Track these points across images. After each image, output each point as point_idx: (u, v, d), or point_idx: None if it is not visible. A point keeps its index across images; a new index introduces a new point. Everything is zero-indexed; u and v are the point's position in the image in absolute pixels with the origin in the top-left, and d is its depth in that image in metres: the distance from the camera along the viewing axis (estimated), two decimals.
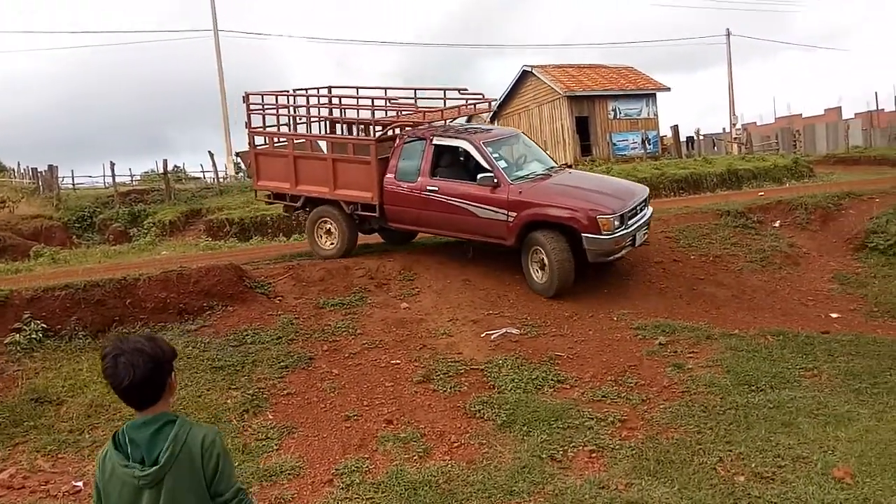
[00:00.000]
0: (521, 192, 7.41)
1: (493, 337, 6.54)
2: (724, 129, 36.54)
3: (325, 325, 6.84)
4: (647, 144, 28.16)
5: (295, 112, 9.51)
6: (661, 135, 29.45)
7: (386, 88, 9.77)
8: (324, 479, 4.26)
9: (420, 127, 8.51)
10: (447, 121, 9.03)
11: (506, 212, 7.43)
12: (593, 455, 4.37)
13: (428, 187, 7.92)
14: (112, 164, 23.77)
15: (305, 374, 5.87)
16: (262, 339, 6.48)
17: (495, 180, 7.46)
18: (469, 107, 9.16)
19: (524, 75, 28.29)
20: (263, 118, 9.33)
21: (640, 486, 3.92)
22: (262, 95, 9.32)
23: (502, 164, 7.71)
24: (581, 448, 4.45)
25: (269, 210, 16.43)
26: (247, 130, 9.44)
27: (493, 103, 9.71)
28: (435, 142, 8.06)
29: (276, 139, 9.30)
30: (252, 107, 9.32)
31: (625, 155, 26.27)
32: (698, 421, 4.70)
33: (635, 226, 7.46)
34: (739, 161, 22.12)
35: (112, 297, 6.74)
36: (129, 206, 19.68)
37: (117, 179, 25.00)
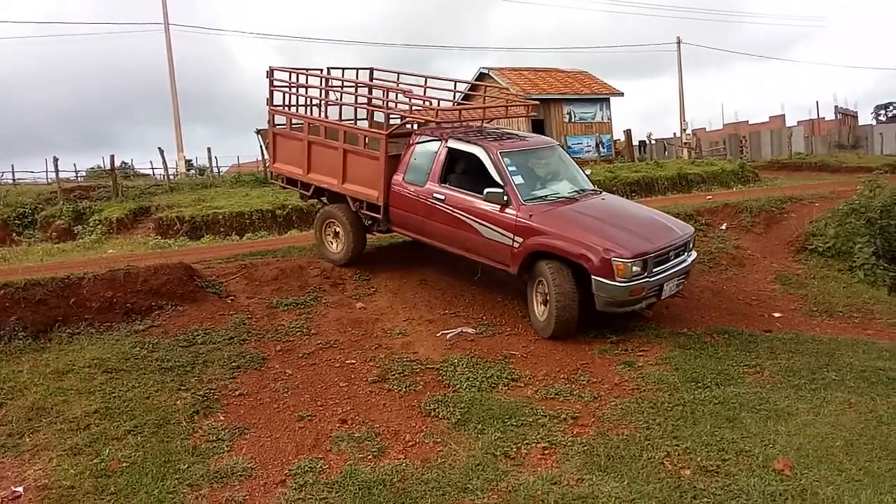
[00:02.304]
0: (531, 216, 6.37)
1: (448, 336, 6.57)
2: (674, 134, 37.51)
3: (279, 325, 6.75)
4: (600, 148, 28.74)
5: (323, 94, 8.72)
6: (615, 139, 30.08)
7: (427, 77, 9.07)
8: (276, 479, 4.20)
9: (441, 125, 7.63)
10: (485, 121, 8.45)
11: (512, 235, 6.45)
12: (546, 452, 4.43)
13: (435, 194, 7.04)
14: (55, 160, 22.86)
15: (258, 374, 5.78)
16: (214, 339, 6.35)
17: (505, 197, 6.46)
18: (509, 108, 8.90)
19: (481, 77, 28.47)
20: (285, 96, 8.70)
21: (591, 480, 4.00)
22: (290, 72, 8.63)
23: (518, 179, 6.66)
24: (534, 445, 4.51)
25: (222, 208, 16.14)
26: (267, 107, 8.81)
27: (530, 108, 9.10)
28: (450, 144, 7.14)
29: (293, 120, 8.61)
30: (276, 83, 8.69)
31: (579, 158, 26.69)
32: (647, 417, 4.81)
33: (664, 274, 6.27)
34: (689, 165, 22.78)
35: (55, 297, 6.49)
36: (74, 203, 18.95)
37: (61, 175, 24.07)
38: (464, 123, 8.12)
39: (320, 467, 4.32)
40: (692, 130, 36.09)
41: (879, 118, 50.43)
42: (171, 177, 23.92)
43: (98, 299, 6.65)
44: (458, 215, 6.86)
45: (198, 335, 6.40)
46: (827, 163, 25.45)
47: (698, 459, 4.18)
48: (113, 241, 14.85)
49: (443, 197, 6.99)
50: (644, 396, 5.18)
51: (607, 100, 29.17)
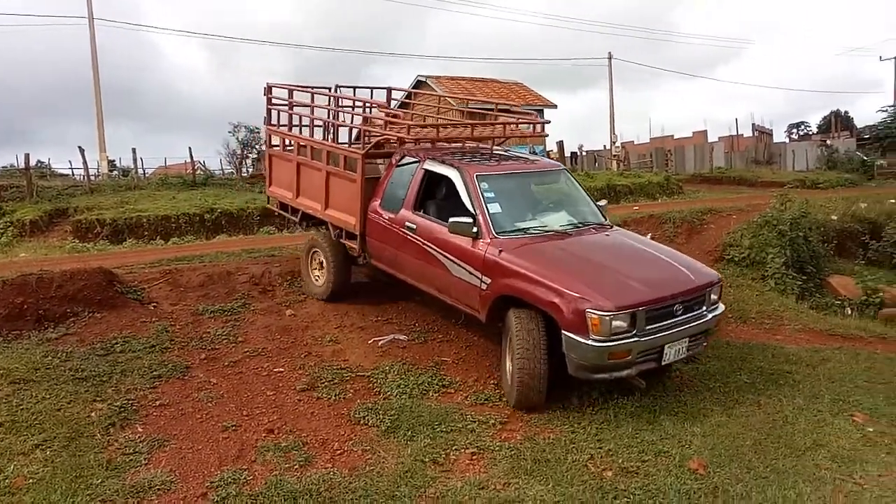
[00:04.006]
0: (501, 252, 5.28)
1: (380, 343, 6.54)
2: (605, 146, 38.67)
3: (204, 333, 6.55)
4: None
5: (331, 115, 7.82)
6: (548, 150, 30.76)
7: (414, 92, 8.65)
8: (197, 493, 4.06)
9: (421, 145, 6.79)
10: (494, 143, 7.30)
11: (480, 275, 5.40)
12: (474, 457, 4.47)
13: (407, 223, 6.17)
14: None
15: (180, 383, 5.58)
16: (133, 347, 6.10)
17: (475, 229, 5.47)
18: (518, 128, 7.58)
19: (418, 85, 28.56)
20: (278, 114, 8.19)
21: (517, 484, 4.06)
22: (289, 89, 8.05)
23: (494, 207, 5.63)
24: (463, 450, 4.54)
25: (146, 211, 15.52)
26: (265, 127, 8.41)
27: (543, 127, 7.42)
28: (426, 166, 6.25)
29: (286, 140, 8.11)
30: (274, 101, 8.19)
31: None
32: (572, 421, 4.93)
33: (666, 333, 4.89)
34: (618, 177, 23.56)
35: None
36: None
37: None
38: (467, 145, 7.05)
39: (244, 479, 4.21)
40: (621, 143, 37.31)
41: (792, 136, 53.70)
42: (93, 177, 22.83)
43: (6, 305, 6.28)
44: (429, 248, 5.92)
45: (116, 343, 6.13)
46: (744, 177, 26.90)
47: (620, 461, 4.31)
48: (25, 244, 14.00)
49: (415, 226, 6.09)
50: (570, 401, 5.30)
51: (541, 111, 29.79)
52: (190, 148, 23.15)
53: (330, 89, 8.27)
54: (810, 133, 52.46)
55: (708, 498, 3.88)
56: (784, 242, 10.07)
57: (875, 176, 29.09)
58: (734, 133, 39.89)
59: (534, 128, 7.12)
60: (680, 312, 5.00)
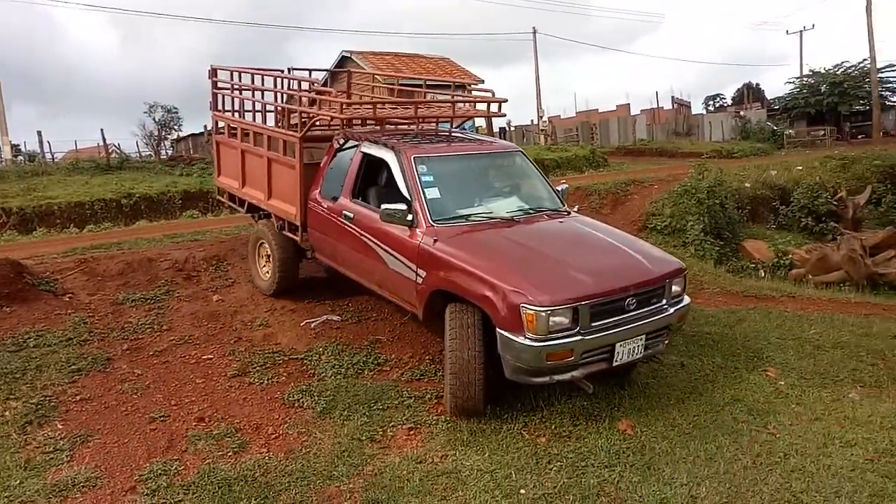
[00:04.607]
0: (435, 242, 4.80)
1: (313, 325, 6.45)
2: (532, 121, 39.20)
3: (126, 323, 6.28)
4: None
5: (278, 98, 7.30)
6: (477, 125, 30.87)
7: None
8: (125, 487, 3.91)
9: (369, 127, 6.37)
10: (438, 122, 6.82)
11: (415, 267, 4.94)
12: (412, 432, 4.50)
13: (344, 212, 5.74)
14: None
15: (102, 376, 5.34)
16: (49, 341, 5.78)
17: (409, 217, 4.99)
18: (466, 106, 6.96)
19: (343, 61, 27.97)
20: (223, 99, 7.65)
21: (454, 456, 4.12)
22: (231, 72, 7.43)
23: (433, 192, 5.14)
24: (400, 426, 4.56)
25: (57, 198, 14.64)
26: (211, 112, 7.82)
27: (501, 106, 6.45)
28: (364, 148, 5.80)
29: (230, 126, 7.54)
30: (220, 84, 7.60)
31: None
32: (508, 391, 5.02)
33: (616, 330, 4.35)
34: (546, 151, 23.95)
35: None
36: None
37: None
38: (424, 126, 6.54)
39: (175, 469, 4.08)
40: (548, 118, 37.88)
41: (709, 108, 55.93)
42: None
43: None
44: (366, 239, 5.47)
45: (29, 338, 5.79)
46: (665, 148, 27.91)
47: (553, 427, 4.44)
48: None
49: (352, 215, 5.67)
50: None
51: (464, 87, 29.79)
52: (102, 130, 21.81)
53: (282, 72, 7.84)
54: (725, 105, 54.85)
55: (636, 456, 4.05)
56: (702, 210, 10.54)
57: (784, 145, 30.82)
58: (655, 106, 41.25)
59: (488, 107, 6.53)
60: (633, 307, 4.44)
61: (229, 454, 4.27)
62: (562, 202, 5.81)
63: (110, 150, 22.52)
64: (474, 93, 6.68)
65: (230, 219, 11.08)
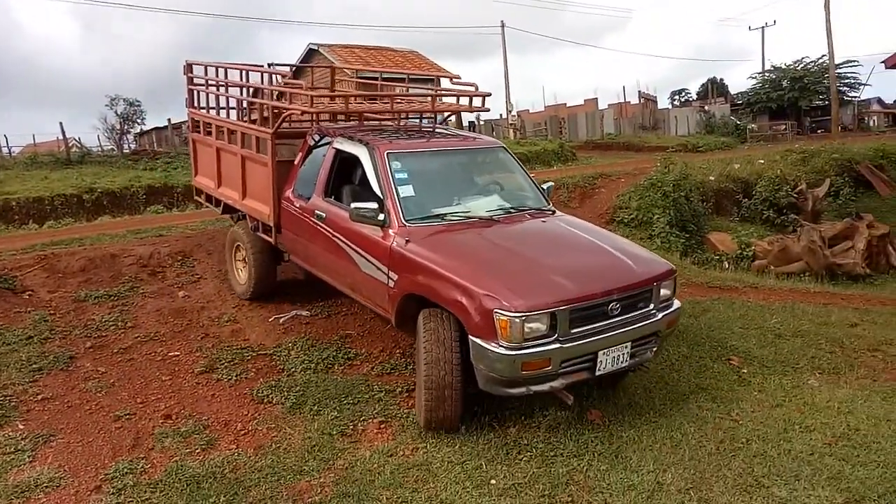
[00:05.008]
0: (408, 242, 4.56)
1: (282, 320, 6.39)
2: (501, 115, 39.27)
3: (89, 320, 6.15)
4: None
5: (249, 94, 6.77)
6: (446, 119, 30.83)
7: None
8: (90, 486, 3.84)
9: (346, 123, 6.14)
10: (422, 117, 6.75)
11: (386, 269, 4.69)
12: (382, 426, 4.50)
13: (317, 211, 5.51)
14: None
15: (64, 375, 5.23)
16: (7, 340, 5.63)
17: (381, 216, 4.73)
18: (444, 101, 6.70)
19: (310, 54, 27.68)
20: (198, 95, 7.31)
21: (425, 448, 4.13)
22: (206, 67, 7.16)
23: (407, 190, 4.90)
24: (371, 420, 4.56)
25: (15, 193, 14.23)
26: (187, 110, 7.54)
27: (484, 100, 6.20)
28: (336, 144, 5.57)
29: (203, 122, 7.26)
30: (196, 80, 7.34)
31: None
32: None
33: (599, 338, 4.09)
34: (515, 145, 24.03)
35: None
36: None
37: None
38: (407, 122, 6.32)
39: (142, 468, 4.02)
40: (517, 112, 38.05)
41: (674, 103, 56.74)
42: None
43: None
44: (338, 240, 5.22)
45: None
46: (632, 142, 28.28)
47: (522, 418, 4.48)
48: None
49: (324, 215, 5.42)
50: None
51: (436, 80, 29.75)
52: (61, 123, 21.20)
53: (263, 67, 7.59)
54: (691, 100, 55.67)
55: (604, 444, 4.12)
56: (668, 203, 10.72)
57: (748, 139, 31.46)
58: (622, 100, 41.73)
59: (470, 101, 6.24)
60: (618, 312, 4.16)
61: (197, 451, 4.22)
62: (546, 201, 5.58)
63: (70, 144, 21.94)
64: (455, 87, 6.40)
65: (195, 214, 10.90)
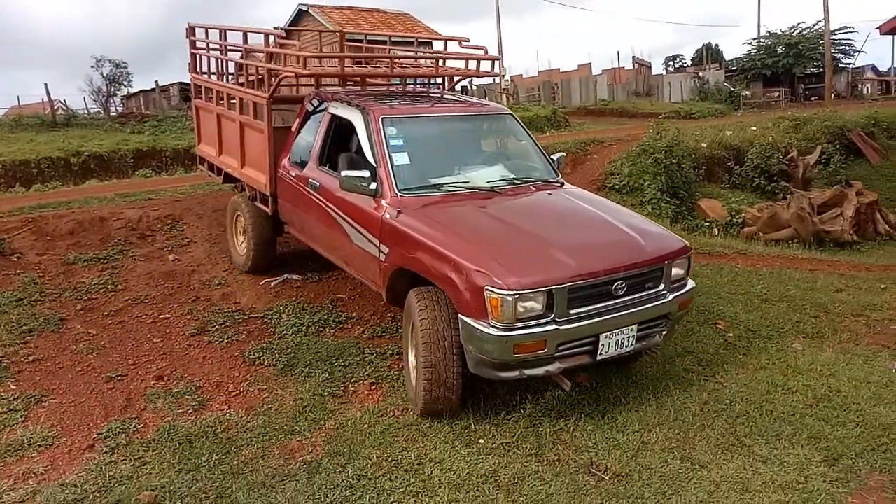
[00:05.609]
0: (399, 213, 4.29)
1: (273, 284, 6.40)
2: (493, 80, 38.84)
3: (79, 283, 6.13)
4: None
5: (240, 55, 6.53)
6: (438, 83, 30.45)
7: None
8: (83, 445, 3.89)
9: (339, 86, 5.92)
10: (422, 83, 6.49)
11: (378, 242, 4.44)
12: (373, 387, 4.55)
13: (311, 180, 5.25)
14: None
15: (55, 337, 5.24)
16: None
17: (372, 185, 4.45)
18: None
19: (300, 15, 27.15)
20: (200, 60, 7.10)
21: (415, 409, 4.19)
22: (207, 30, 6.92)
23: (402, 157, 4.62)
24: (361, 382, 4.61)
25: (1, 156, 14.02)
26: (190, 75, 7.30)
27: (496, 64, 5.91)
28: (331, 110, 5.32)
29: (209, 89, 7.00)
30: (198, 44, 7.09)
31: None
32: None
33: (601, 319, 3.79)
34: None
35: None
36: None
37: None
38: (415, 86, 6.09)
39: (134, 427, 4.07)
40: (510, 77, 37.62)
41: (669, 69, 56.28)
42: None
43: None
44: (330, 210, 4.98)
45: None
46: (626, 108, 28.10)
47: (513, 382, 4.54)
48: None
49: (318, 184, 5.17)
50: None
51: (430, 44, 29.28)
52: (46, 84, 20.79)
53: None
54: (685, 66, 55.24)
55: (591, 406, 4.20)
56: (660, 169, 10.72)
57: (741, 106, 31.33)
58: (616, 66, 41.29)
59: (478, 65, 5.96)
60: (623, 292, 3.85)
61: (189, 412, 4.27)
62: (556, 172, 5.25)
63: (56, 107, 21.55)
64: (463, 50, 6.11)
65: (184, 178, 10.81)
